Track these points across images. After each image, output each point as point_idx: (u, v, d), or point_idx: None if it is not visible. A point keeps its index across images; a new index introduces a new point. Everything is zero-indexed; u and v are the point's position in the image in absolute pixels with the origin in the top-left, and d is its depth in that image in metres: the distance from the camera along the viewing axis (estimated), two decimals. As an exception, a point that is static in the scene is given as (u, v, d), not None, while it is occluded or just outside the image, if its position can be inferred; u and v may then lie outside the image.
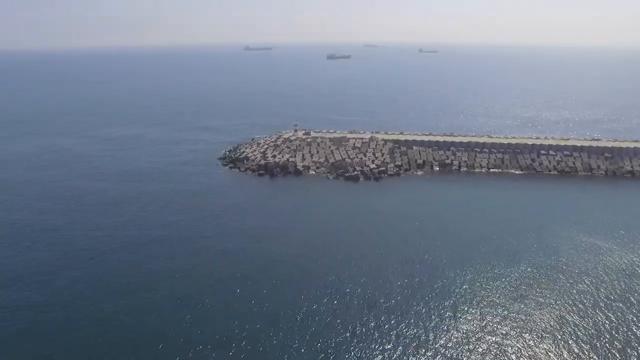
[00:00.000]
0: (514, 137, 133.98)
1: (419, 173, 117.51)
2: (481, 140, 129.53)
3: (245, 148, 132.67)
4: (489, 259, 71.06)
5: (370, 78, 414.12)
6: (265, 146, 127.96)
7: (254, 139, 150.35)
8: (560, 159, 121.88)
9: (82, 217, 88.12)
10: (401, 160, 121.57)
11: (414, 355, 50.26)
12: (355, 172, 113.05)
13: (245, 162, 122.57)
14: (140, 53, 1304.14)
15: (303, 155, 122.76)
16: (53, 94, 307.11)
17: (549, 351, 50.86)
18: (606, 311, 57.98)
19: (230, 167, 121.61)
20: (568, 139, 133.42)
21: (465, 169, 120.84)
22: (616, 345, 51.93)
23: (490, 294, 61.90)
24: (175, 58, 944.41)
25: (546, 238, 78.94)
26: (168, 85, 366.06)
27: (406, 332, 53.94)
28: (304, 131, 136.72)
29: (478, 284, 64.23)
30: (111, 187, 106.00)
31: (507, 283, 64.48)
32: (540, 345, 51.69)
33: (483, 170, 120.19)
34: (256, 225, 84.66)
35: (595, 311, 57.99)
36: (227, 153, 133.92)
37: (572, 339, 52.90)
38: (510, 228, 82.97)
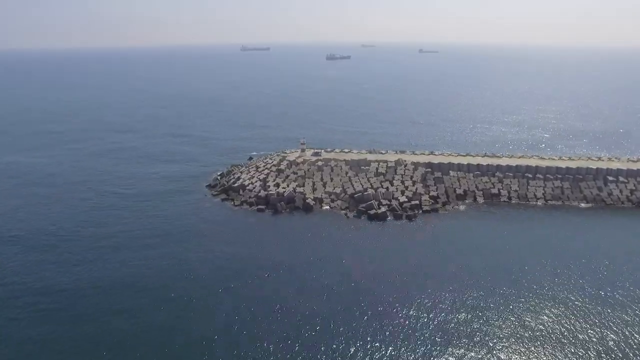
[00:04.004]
0: (571, 159, 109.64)
1: (461, 207, 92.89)
2: (532, 162, 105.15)
3: (241, 172, 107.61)
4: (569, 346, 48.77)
5: (375, 80, 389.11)
6: (266, 171, 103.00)
7: (251, 158, 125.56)
8: (634, 188, 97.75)
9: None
10: (437, 189, 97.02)
11: None
12: (382, 209, 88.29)
13: (241, 192, 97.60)
14: (127, 54, 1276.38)
15: (314, 184, 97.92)
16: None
17: None
18: None
19: (223, 199, 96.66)
20: (638, 161, 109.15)
21: (516, 200, 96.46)
22: None
23: None
24: (170, 59, 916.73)
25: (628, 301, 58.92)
26: (150, 87, 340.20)
27: None
28: (312, 150, 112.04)
29: None
30: (54, 245, 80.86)
31: None
32: None
33: (539, 202, 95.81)
34: (256, 289, 60.13)
35: None
36: (219, 178, 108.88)
37: None
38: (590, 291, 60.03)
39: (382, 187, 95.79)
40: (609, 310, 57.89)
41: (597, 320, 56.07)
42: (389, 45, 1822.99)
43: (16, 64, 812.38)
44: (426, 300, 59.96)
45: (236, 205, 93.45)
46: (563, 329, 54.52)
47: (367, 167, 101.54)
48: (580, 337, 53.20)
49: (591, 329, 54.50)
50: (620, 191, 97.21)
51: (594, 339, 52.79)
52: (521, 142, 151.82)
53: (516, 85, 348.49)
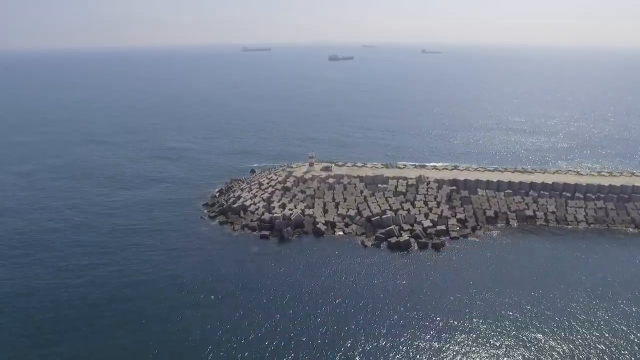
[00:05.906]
0: (612, 174, 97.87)
1: (494, 233, 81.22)
2: (569, 179, 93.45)
3: (242, 190, 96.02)
4: None
5: (380, 81, 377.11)
6: (270, 189, 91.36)
7: (253, 171, 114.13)
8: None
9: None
10: (464, 211, 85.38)
11: None
12: (404, 236, 76.72)
13: (241, 214, 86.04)
14: (127, 55, 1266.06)
15: (324, 204, 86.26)
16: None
17: None
18: None
19: (221, 222, 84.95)
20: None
21: (554, 223, 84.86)
22: None
23: None
24: (171, 59, 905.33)
25: None
26: (150, 87, 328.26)
27: None
28: (322, 165, 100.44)
29: None
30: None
31: None
32: None
33: (580, 225, 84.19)
34: (261, 332, 48.66)
35: None
36: (217, 196, 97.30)
37: None
38: None
39: (402, 208, 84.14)
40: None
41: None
42: (390, 45, 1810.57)
43: (16, 64, 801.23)
44: (470, 351, 48.49)
45: (236, 230, 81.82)
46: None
47: (384, 185, 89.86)
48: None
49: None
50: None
51: None
52: (542, 152, 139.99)
53: (517, 85, 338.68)
